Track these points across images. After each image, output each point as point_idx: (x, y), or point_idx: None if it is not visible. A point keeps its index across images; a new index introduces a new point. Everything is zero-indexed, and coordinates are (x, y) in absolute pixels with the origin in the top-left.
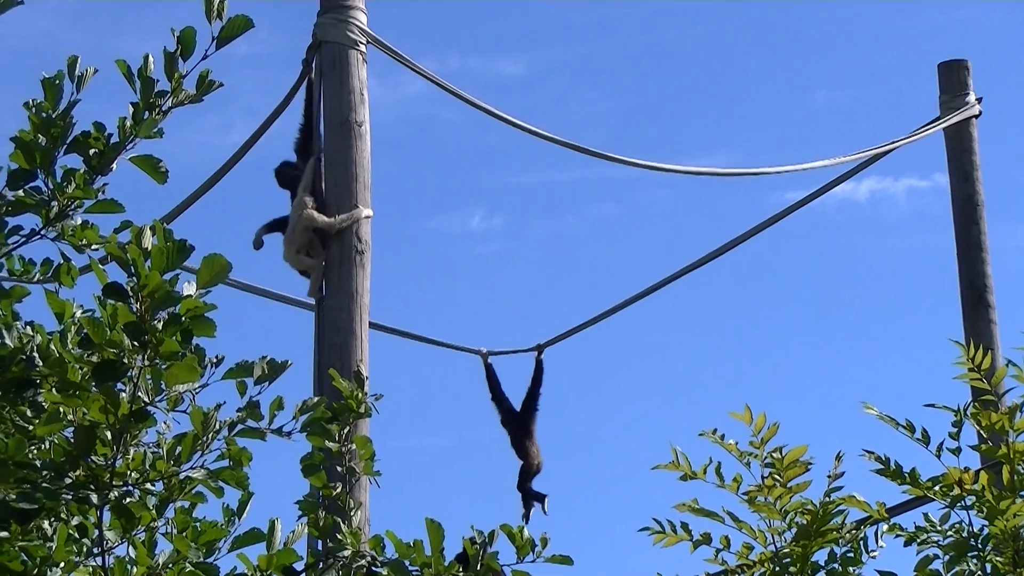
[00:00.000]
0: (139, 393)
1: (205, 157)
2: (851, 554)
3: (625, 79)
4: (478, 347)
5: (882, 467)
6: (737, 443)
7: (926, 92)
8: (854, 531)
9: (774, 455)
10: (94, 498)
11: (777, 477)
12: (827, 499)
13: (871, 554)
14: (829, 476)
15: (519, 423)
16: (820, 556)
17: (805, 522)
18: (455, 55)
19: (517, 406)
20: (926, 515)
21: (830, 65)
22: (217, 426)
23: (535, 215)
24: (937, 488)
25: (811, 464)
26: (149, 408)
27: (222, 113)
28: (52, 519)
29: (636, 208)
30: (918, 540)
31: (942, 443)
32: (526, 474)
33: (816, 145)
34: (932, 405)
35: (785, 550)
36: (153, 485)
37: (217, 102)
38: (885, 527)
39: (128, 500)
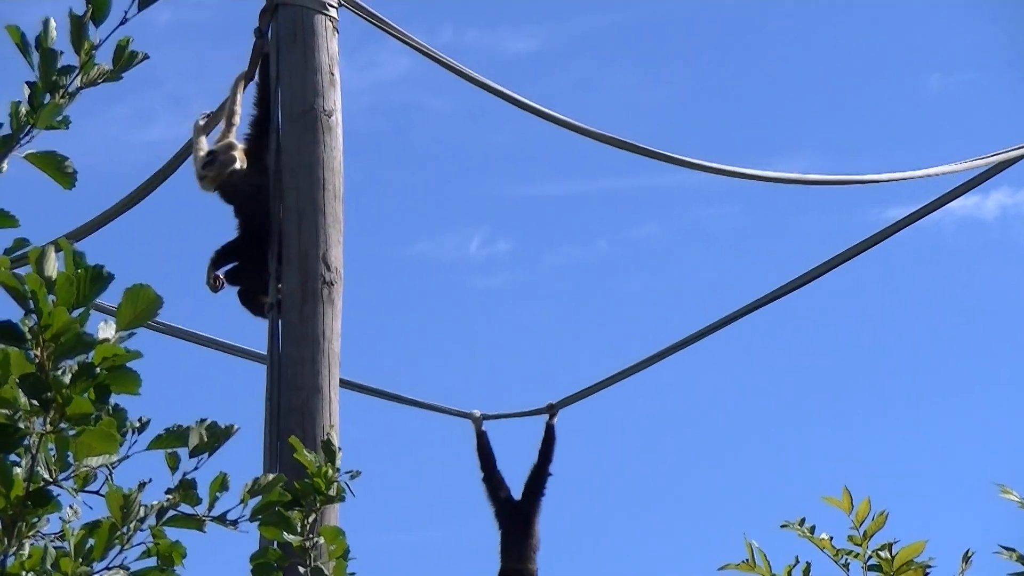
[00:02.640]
0: (39, 468)
1: (118, 157)
2: None
3: (671, 59)
4: (471, 410)
5: None
6: (832, 538)
7: None
8: None
9: (881, 554)
10: None
11: None
12: None
13: None
14: None
15: (516, 513)
16: None
17: None
18: (448, 27)
19: (516, 490)
20: None
21: (947, 42)
22: (141, 512)
23: (555, 239)
24: None
25: (931, 566)
26: (52, 488)
27: (139, 100)
28: None
29: (689, 230)
30: None
31: None
32: None
33: (928, 146)
34: None
35: None
36: None
37: (133, 87)
38: None
39: None
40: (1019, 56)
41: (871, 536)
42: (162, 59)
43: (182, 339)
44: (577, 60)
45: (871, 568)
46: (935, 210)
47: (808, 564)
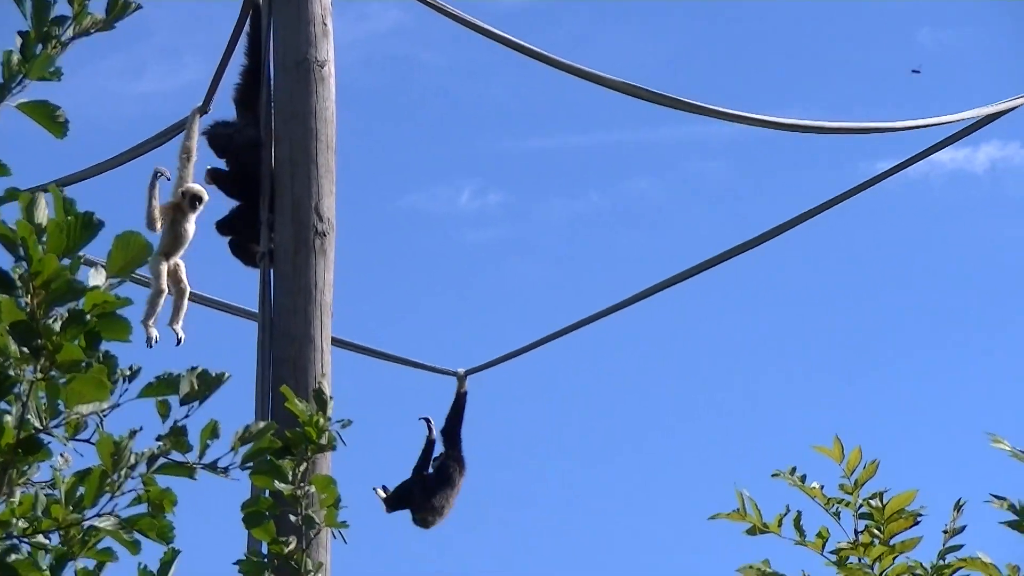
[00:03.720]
0: (29, 415)
1: (109, 108)
2: None
3: (667, 13)
4: (454, 368)
5: (1016, 518)
6: (823, 487)
7: None
8: None
9: (872, 503)
10: None
11: (876, 532)
12: (943, 561)
13: None
14: (945, 531)
15: (442, 470)
16: None
17: None
18: None
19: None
20: None
21: None
22: (132, 460)
23: (546, 191)
24: None
25: (921, 515)
26: (42, 436)
27: (130, 53)
28: None
29: (680, 183)
30: None
31: None
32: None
33: (918, 100)
34: None
35: None
36: (47, 537)
37: (124, 40)
38: None
39: (13, 557)
40: (1008, 11)
41: (862, 485)
42: (153, 12)
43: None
44: (569, 15)
45: (862, 516)
46: (922, 159)
47: (799, 513)
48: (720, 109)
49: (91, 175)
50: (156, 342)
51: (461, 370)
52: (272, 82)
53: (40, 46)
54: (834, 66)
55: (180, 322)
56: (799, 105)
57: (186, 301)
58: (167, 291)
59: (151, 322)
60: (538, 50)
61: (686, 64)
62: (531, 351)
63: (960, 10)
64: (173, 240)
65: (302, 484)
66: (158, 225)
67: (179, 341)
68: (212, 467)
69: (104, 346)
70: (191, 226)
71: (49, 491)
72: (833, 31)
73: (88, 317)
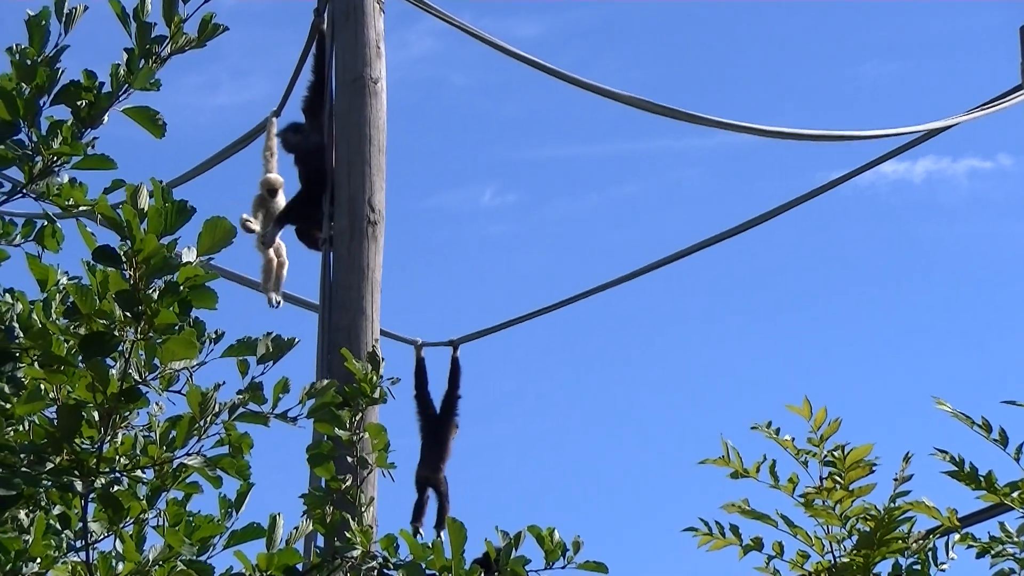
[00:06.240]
0: (130, 370)
1: (188, 119)
2: (918, 566)
3: (654, 45)
4: (413, 337)
5: (955, 469)
6: (794, 439)
7: (986, 65)
8: (922, 541)
9: (835, 454)
10: (78, 485)
11: (838, 478)
12: (893, 504)
13: (940, 566)
14: (896, 479)
15: (434, 429)
16: (883, 567)
17: (868, 529)
18: (466, 13)
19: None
20: (1002, 524)
21: (881, 33)
22: (216, 409)
23: (552, 193)
24: (1015, 495)
25: (876, 465)
26: (141, 387)
27: (206, 72)
28: (31, 508)
29: (664, 187)
30: (993, 552)
31: (1021, 445)
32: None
33: (863, 123)
34: (1011, 402)
35: (844, 560)
36: (144, 472)
37: (201, 60)
38: (956, 537)
39: (116, 489)
40: (939, 50)
41: (827, 439)
42: (227, 36)
43: (243, 285)
44: (573, 45)
45: (826, 465)
46: (869, 169)
47: (774, 461)
48: (706, 116)
49: (191, 177)
50: (278, 305)
51: (419, 340)
52: (334, 95)
53: (142, 61)
54: (796, 93)
55: (279, 291)
56: (769, 120)
57: (284, 273)
58: (274, 261)
59: (269, 287)
60: (550, 66)
61: (669, 86)
62: (532, 321)
63: (902, 44)
64: (266, 222)
65: (357, 431)
66: (257, 228)
67: (277, 304)
68: (283, 416)
69: (194, 313)
70: (278, 209)
71: (146, 433)
72: (795, 65)
73: (181, 288)
